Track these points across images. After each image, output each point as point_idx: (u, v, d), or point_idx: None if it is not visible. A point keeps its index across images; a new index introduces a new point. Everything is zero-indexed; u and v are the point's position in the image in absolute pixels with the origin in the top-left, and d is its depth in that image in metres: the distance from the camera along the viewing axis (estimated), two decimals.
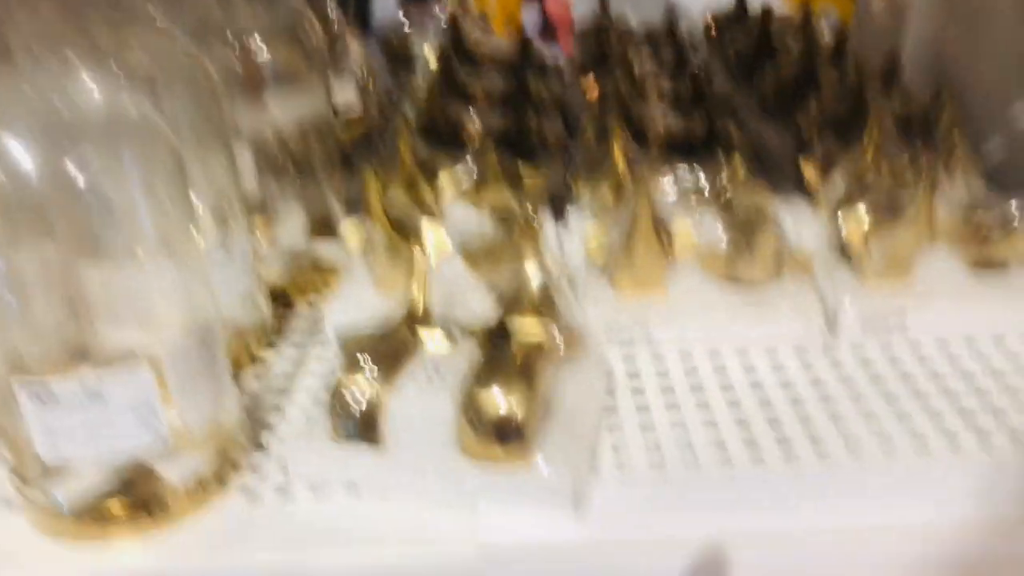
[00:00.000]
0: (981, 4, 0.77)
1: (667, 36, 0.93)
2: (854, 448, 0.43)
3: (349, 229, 0.55)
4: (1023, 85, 0.73)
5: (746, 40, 0.86)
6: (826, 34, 0.93)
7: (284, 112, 0.64)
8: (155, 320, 0.43)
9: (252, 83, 0.62)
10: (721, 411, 0.46)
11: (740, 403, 0.47)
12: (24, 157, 0.39)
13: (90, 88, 0.43)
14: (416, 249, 0.49)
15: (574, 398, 0.44)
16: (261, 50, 0.60)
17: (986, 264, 0.53)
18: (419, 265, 0.45)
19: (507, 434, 0.38)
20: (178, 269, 0.43)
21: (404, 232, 0.54)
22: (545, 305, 0.43)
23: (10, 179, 0.38)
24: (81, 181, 0.40)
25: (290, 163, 0.65)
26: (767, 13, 0.83)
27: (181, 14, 0.59)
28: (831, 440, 0.43)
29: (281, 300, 0.61)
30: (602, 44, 0.86)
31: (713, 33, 0.97)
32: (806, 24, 0.93)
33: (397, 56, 0.95)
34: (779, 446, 0.43)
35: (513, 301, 0.44)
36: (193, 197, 0.53)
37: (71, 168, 0.40)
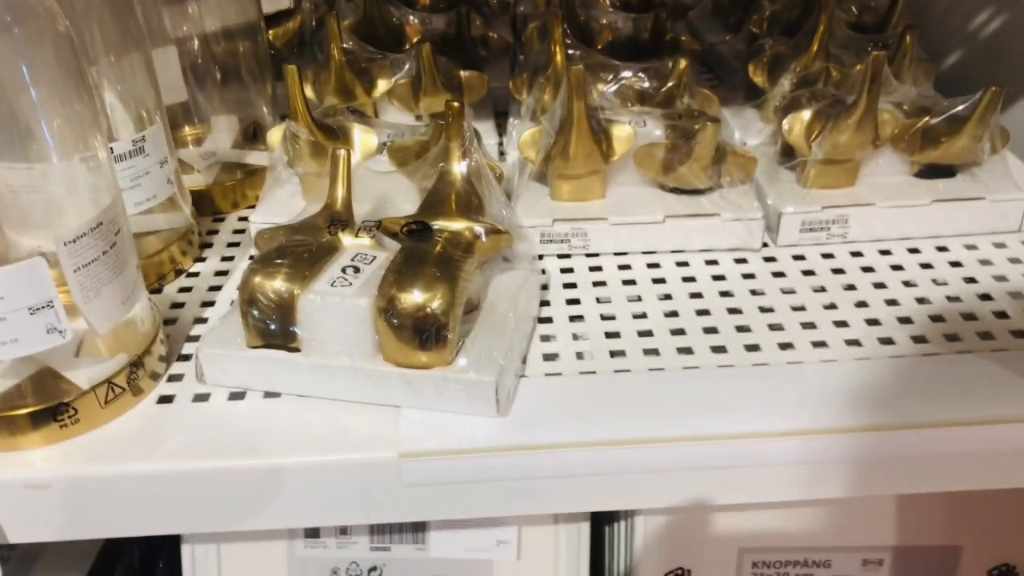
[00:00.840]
0: None
1: None
2: (784, 342, 0.42)
3: (274, 133, 0.53)
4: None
5: None
6: None
7: (210, 13, 0.61)
8: (59, 222, 0.41)
9: None
10: (652, 305, 0.45)
11: (672, 296, 0.46)
12: None
13: None
14: (340, 150, 0.47)
15: (503, 297, 0.42)
16: None
17: (931, 167, 0.51)
18: (341, 162, 0.43)
19: (426, 333, 0.37)
20: (81, 168, 0.41)
21: (332, 135, 0.52)
22: (471, 199, 0.42)
23: None
24: None
25: (218, 67, 0.62)
26: None
27: None
28: (766, 343, 0.43)
29: (210, 210, 0.58)
30: None
31: None
32: None
33: None
34: (713, 352, 0.42)
35: (439, 201, 0.42)
36: (108, 98, 0.51)
37: None
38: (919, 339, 0.42)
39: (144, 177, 0.49)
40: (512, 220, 0.47)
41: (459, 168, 0.43)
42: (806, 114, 0.51)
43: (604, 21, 0.66)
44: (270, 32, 0.67)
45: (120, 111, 0.51)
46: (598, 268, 0.49)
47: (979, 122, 0.49)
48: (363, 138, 0.52)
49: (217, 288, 0.50)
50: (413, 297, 0.37)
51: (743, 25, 0.72)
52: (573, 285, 0.47)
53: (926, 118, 0.50)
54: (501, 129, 0.64)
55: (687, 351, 0.42)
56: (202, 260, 0.53)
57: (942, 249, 0.50)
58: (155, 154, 0.49)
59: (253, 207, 0.55)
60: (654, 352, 0.42)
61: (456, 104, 0.42)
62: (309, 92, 0.61)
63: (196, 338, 0.46)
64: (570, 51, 0.58)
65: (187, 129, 0.62)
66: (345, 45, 0.60)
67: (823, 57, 0.57)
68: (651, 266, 0.49)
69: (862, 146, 0.50)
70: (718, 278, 0.48)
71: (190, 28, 0.61)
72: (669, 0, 0.73)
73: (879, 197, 0.50)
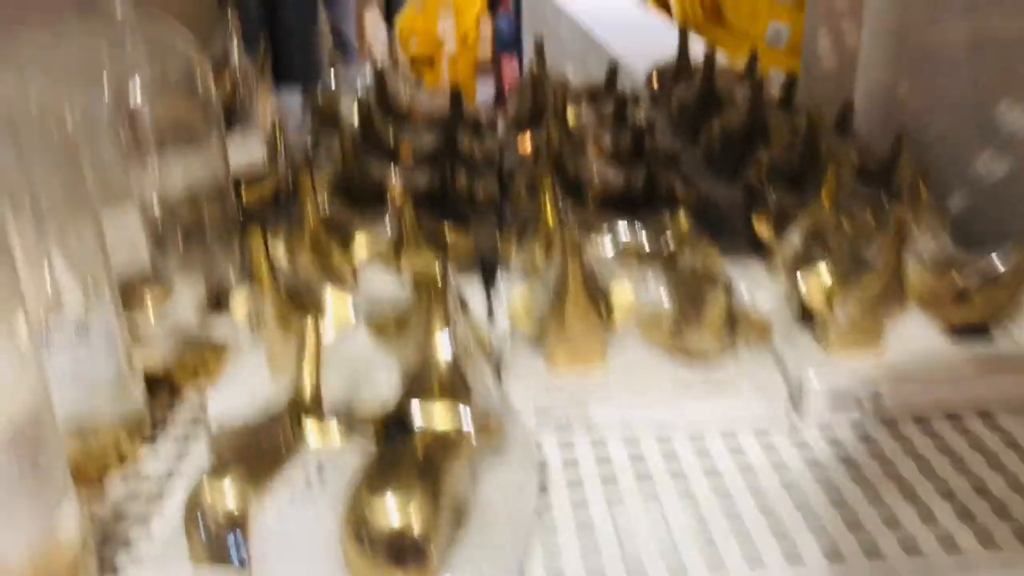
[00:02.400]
0: (934, 49, 0.74)
1: (607, 90, 0.88)
2: (831, 550, 0.36)
3: (237, 300, 0.48)
4: (984, 134, 0.68)
5: (689, 92, 0.82)
6: (773, 85, 0.89)
7: (176, 172, 0.57)
8: None
9: (138, 139, 0.55)
10: (672, 505, 0.39)
11: (694, 495, 0.40)
12: None
13: None
14: (306, 320, 0.42)
15: (496, 500, 0.36)
16: (148, 102, 0.53)
17: (964, 327, 0.47)
18: (309, 339, 0.38)
19: (403, 552, 0.31)
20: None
21: (301, 303, 0.47)
22: (457, 385, 0.36)
23: None
24: None
25: (182, 229, 0.58)
26: (709, 63, 0.79)
27: (56, 57, 0.52)
28: (801, 538, 0.36)
29: (167, 386, 0.53)
30: (538, 98, 0.81)
31: (656, 86, 0.92)
32: (751, 73, 0.90)
33: (322, 114, 0.89)
34: (741, 547, 0.36)
35: (418, 381, 0.36)
36: (47, 269, 0.46)
37: None
38: (987, 541, 0.36)
39: (87, 363, 0.43)
40: (503, 400, 0.41)
41: (443, 347, 0.37)
42: (823, 271, 0.46)
43: (594, 174, 0.63)
44: (243, 191, 0.64)
45: (66, 281, 0.46)
46: (606, 459, 0.43)
47: (1018, 277, 0.44)
48: (337, 304, 0.47)
49: (163, 476, 0.44)
50: (388, 512, 0.30)
51: (739, 173, 0.69)
52: (578, 482, 0.41)
53: (957, 276, 0.45)
54: (489, 286, 0.60)
55: (719, 567, 0.35)
56: (149, 440, 0.47)
57: (988, 420, 0.44)
58: (102, 336, 0.44)
59: (210, 376, 0.50)
60: (673, 549, 0.36)
61: (438, 273, 0.37)
62: (281, 255, 0.56)
63: (131, 543, 0.39)
64: (561, 208, 0.54)
65: (147, 296, 0.57)
66: (322, 206, 0.57)
67: (833, 209, 0.53)
68: (662, 444, 0.43)
69: (889, 308, 0.45)
70: (745, 470, 0.41)
71: (152, 186, 0.57)
72: (660, 151, 0.71)
73: (912, 363, 0.45)
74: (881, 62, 0.80)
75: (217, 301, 0.57)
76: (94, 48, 0.51)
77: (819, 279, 0.46)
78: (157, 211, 0.56)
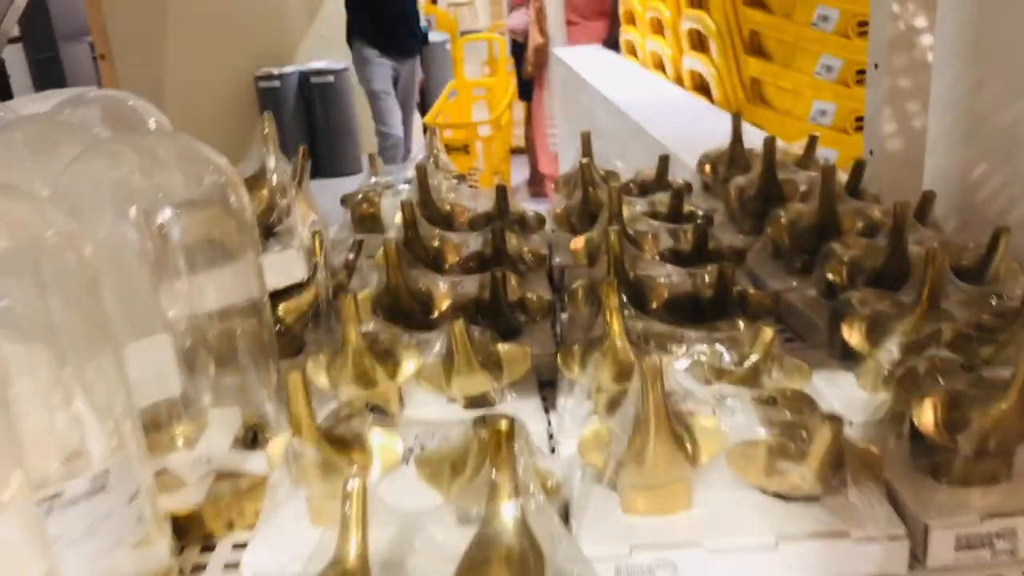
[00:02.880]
0: (1012, 130, 0.69)
1: (658, 182, 0.84)
2: None
3: (275, 447, 0.43)
4: None
5: (748, 181, 0.77)
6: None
7: (208, 293, 0.53)
8: None
9: (168, 261, 0.51)
10: None
11: None
12: None
13: None
14: (353, 469, 0.37)
15: None
16: (179, 222, 0.49)
17: None
18: (354, 499, 0.33)
19: None
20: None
21: (345, 444, 0.42)
22: (528, 566, 0.30)
23: None
24: None
25: (215, 354, 0.53)
26: (770, 149, 0.74)
27: (82, 179, 0.49)
28: None
29: (200, 534, 0.47)
30: (588, 195, 0.76)
31: (709, 174, 0.88)
32: (811, 157, 0.85)
33: (363, 215, 0.86)
34: None
35: (484, 562, 0.31)
36: (77, 410, 0.42)
37: None
38: None
39: (106, 517, 0.38)
40: (575, 552, 0.35)
41: (509, 512, 0.32)
42: (938, 396, 0.40)
43: (658, 277, 0.58)
44: (280, 307, 0.60)
45: (88, 426, 0.41)
46: None
47: None
48: (384, 447, 0.42)
49: None
50: None
51: (812, 270, 0.64)
52: None
53: None
54: (548, 403, 0.54)
55: None
56: None
57: None
58: (123, 486, 0.39)
59: (252, 527, 0.45)
60: None
61: (504, 427, 0.32)
62: (323, 379, 0.51)
63: None
64: (628, 322, 0.48)
65: (177, 429, 0.53)
66: (365, 325, 0.52)
67: (934, 315, 0.47)
68: None
69: (1021, 434, 0.39)
70: None
71: (183, 309, 0.53)
72: (724, 247, 0.66)
73: None
74: (954, 144, 0.75)
75: (254, 436, 0.52)
76: (123, 167, 0.48)
77: (935, 406, 0.39)
78: (188, 336, 0.53)
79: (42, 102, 2.83)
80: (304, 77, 4.94)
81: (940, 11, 0.75)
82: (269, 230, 0.63)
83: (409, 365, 0.51)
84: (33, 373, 0.40)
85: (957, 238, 0.61)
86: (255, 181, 0.60)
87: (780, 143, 0.92)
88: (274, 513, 0.43)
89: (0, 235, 0.38)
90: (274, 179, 0.60)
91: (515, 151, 4.71)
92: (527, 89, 3.71)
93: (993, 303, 0.50)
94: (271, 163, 0.60)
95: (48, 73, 5.73)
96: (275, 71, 4.90)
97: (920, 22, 0.75)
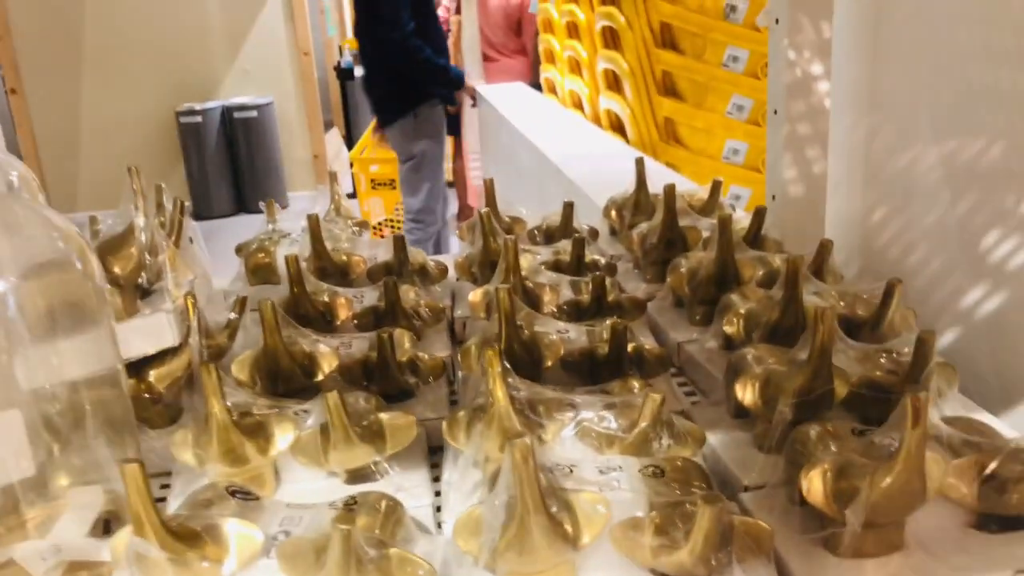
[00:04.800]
0: (906, 177, 0.69)
1: (563, 227, 0.82)
2: None
3: (117, 541, 0.39)
4: (970, 265, 0.63)
5: (651, 227, 0.76)
6: (734, 212, 0.85)
7: (62, 364, 0.48)
8: None
9: (16, 331, 0.47)
10: None
11: None
12: None
13: None
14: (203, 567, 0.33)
15: None
16: (26, 292, 0.45)
17: (996, 520, 0.39)
18: None
19: None
20: None
21: (196, 539, 0.38)
22: None
23: None
24: None
25: (71, 428, 0.49)
26: (670, 199, 0.73)
27: None
28: None
29: None
30: (487, 242, 0.74)
31: (615, 218, 0.87)
32: (716, 201, 0.84)
33: (258, 267, 0.82)
34: None
35: None
36: None
37: None
38: None
39: None
40: None
41: None
42: (826, 466, 0.39)
43: (552, 335, 0.56)
44: (152, 373, 0.56)
45: None
46: None
47: None
48: (242, 537, 0.38)
49: None
50: None
51: (713, 320, 0.62)
52: None
53: (987, 461, 0.38)
54: (436, 471, 0.51)
55: None
56: None
57: None
58: None
59: None
60: None
61: (354, 524, 0.29)
62: (189, 457, 0.48)
63: None
64: (512, 388, 0.46)
65: (29, 513, 0.48)
66: (236, 394, 0.48)
67: (826, 373, 0.46)
68: None
69: (910, 504, 0.37)
70: None
71: (34, 380, 0.48)
72: (624, 300, 0.64)
73: (944, 568, 0.37)
74: (852, 189, 0.76)
75: (106, 522, 0.48)
76: None
77: (825, 477, 0.38)
78: (41, 410, 0.48)
79: None
80: (227, 112, 4.84)
81: (835, 59, 0.75)
82: (144, 291, 0.58)
83: (283, 439, 0.48)
84: None
85: (854, 286, 0.61)
86: (123, 240, 0.56)
87: (686, 187, 0.92)
88: None
89: None
90: (143, 237, 0.56)
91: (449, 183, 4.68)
92: (454, 123, 3.72)
93: (884, 360, 0.49)
94: (140, 221, 0.56)
95: None
96: (197, 106, 4.80)
97: (816, 69, 0.75)
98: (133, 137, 5.04)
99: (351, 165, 4.53)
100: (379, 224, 4.36)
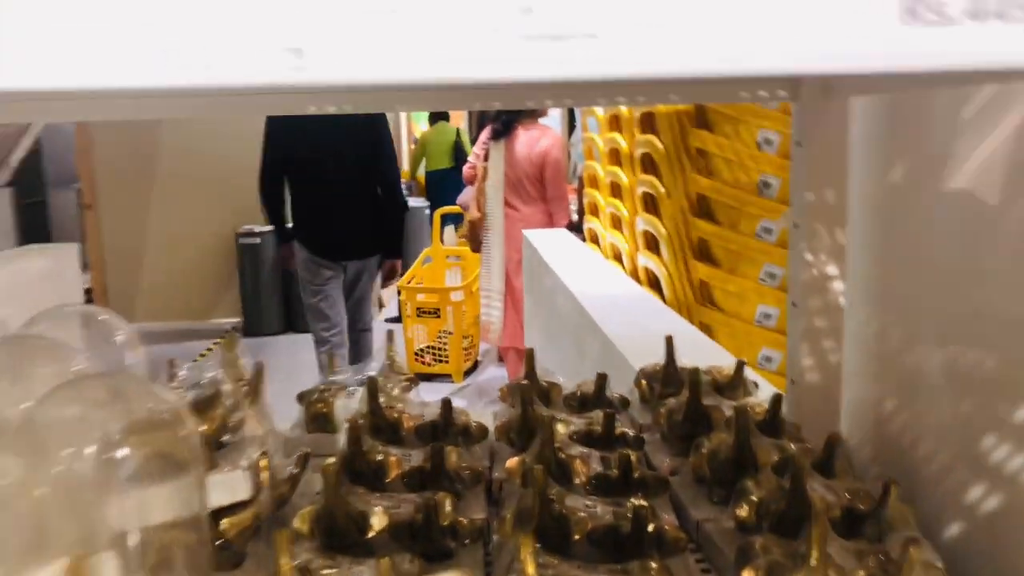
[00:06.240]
0: (913, 374, 0.76)
1: (597, 396, 0.90)
2: None
3: None
4: (970, 464, 0.68)
5: (678, 404, 0.83)
6: (757, 395, 0.91)
7: (150, 512, 0.56)
8: None
9: (116, 482, 0.55)
10: None
11: None
12: None
13: None
14: None
15: None
16: (130, 455, 0.53)
17: None
18: None
19: None
20: None
21: None
22: None
23: None
24: None
25: (154, 567, 0.56)
26: (695, 380, 0.81)
27: (52, 420, 0.54)
28: None
29: None
30: (526, 410, 0.81)
31: (645, 388, 0.94)
32: (740, 380, 0.91)
33: (317, 416, 0.90)
34: None
35: None
36: None
37: None
38: None
39: None
40: None
41: None
42: None
43: (581, 511, 0.62)
44: (224, 521, 0.63)
45: None
46: None
47: None
48: None
49: None
50: None
51: (729, 500, 0.68)
52: None
53: None
54: None
55: None
56: None
57: None
58: None
59: None
60: None
61: None
62: None
63: None
64: (541, 568, 0.52)
65: None
66: (300, 551, 0.55)
67: (823, 569, 0.52)
68: None
69: None
70: None
71: (128, 524, 0.56)
72: (649, 477, 0.70)
73: None
74: (865, 380, 0.82)
75: None
76: (87, 402, 0.52)
77: None
78: (131, 551, 0.55)
79: (21, 260, 2.85)
80: None
81: (849, 262, 0.84)
82: (220, 444, 0.67)
83: None
84: None
85: (857, 482, 0.66)
86: (211, 402, 0.65)
87: (714, 359, 0.99)
88: None
89: None
90: (228, 402, 0.64)
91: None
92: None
93: (881, 558, 0.54)
94: (226, 388, 0.64)
95: (34, 218, 5.82)
96: (256, 228, 5.05)
97: (831, 270, 0.84)
98: (194, 254, 5.30)
99: (399, 292, 4.70)
100: (421, 351, 4.47)
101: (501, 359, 4.36)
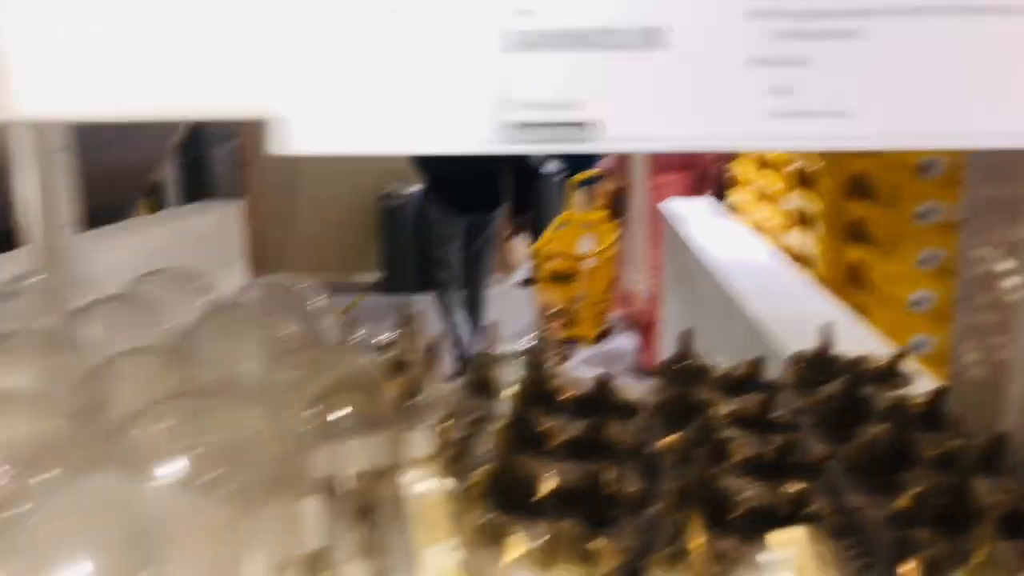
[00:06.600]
0: None
1: (751, 378, 0.91)
2: None
3: None
4: None
5: (832, 392, 0.84)
6: (916, 386, 0.90)
7: (353, 463, 0.64)
8: None
9: (324, 438, 0.62)
10: None
11: None
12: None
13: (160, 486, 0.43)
14: None
15: None
16: (333, 408, 0.61)
17: None
18: None
19: None
20: None
21: None
22: None
23: None
24: None
25: (354, 514, 0.63)
26: (853, 370, 0.81)
27: (263, 381, 0.62)
28: None
29: None
30: (683, 389, 0.84)
31: (798, 374, 0.95)
32: (897, 370, 0.91)
33: (478, 382, 0.96)
34: None
35: None
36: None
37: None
38: None
39: None
40: None
41: None
42: None
43: (739, 491, 0.65)
44: (409, 474, 0.70)
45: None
46: None
47: None
48: None
49: None
50: None
51: (886, 491, 0.69)
52: None
53: None
54: None
55: None
56: None
57: None
58: None
59: None
60: None
61: None
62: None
63: None
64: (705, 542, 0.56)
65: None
66: (480, 515, 0.61)
67: (986, 569, 0.53)
68: None
69: None
70: None
71: (332, 473, 0.63)
72: (805, 461, 0.72)
73: None
74: None
75: None
76: (301, 370, 0.60)
77: None
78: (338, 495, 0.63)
79: (189, 216, 3.06)
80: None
81: None
82: (406, 406, 0.73)
83: (513, 546, 0.60)
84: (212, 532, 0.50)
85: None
86: (399, 365, 0.72)
87: (869, 344, 0.98)
88: None
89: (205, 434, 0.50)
90: (411, 367, 0.71)
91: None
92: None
93: None
94: (408, 353, 0.71)
95: (194, 174, 6.21)
96: (398, 191, 5.24)
97: (1006, 264, 0.81)
98: (339, 213, 5.56)
99: (533, 256, 4.78)
100: (552, 315, 4.55)
101: (632, 328, 4.37)
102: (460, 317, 3.89)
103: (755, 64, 0.29)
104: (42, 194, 1.13)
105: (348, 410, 0.61)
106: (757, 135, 0.30)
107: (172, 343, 0.69)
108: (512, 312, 4.43)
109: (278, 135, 0.32)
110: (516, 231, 3.57)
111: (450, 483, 0.64)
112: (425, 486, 0.67)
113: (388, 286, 5.41)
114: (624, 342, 4.59)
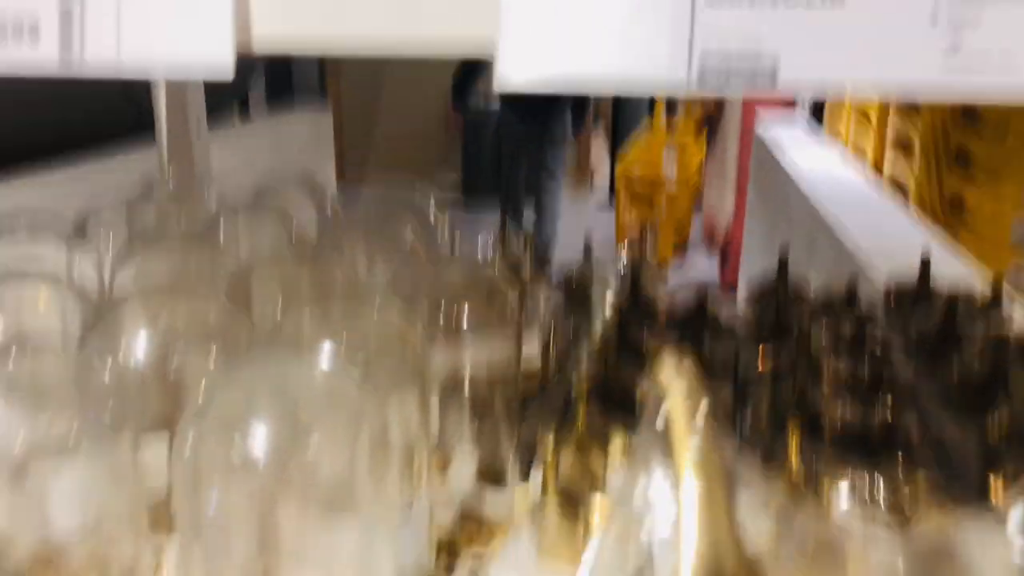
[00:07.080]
0: None
1: (846, 302, 0.93)
2: None
3: (520, 495, 0.58)
4: None
5: (928, 321, 0.85)
6: (1017, 320, 0.91)
7: (474, 359, 0.69)
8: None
9: (450, 335, 0.68)
10: None
11: None
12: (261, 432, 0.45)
13: (317, 369, 0.49)
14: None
15: None
16: (460, 308, 0.66)
17: None
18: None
19: None
20: (364, 529, 0.47)
21: (573, 504, 0.56)
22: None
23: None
24: (307, 452, 0.46)
25: (471, 408, 0.70)
26: (952, 303, 0.82)
27: (401, 285, 0.67)
28: None
29: (446, 549, 0.63)
30: (778, 309, 0.87)
31: (893, 304, 0.96)
32: (997, 303, 0.91)
33: (574, 295, 1.00)
34: None
35: None
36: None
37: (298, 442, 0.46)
38: None
39: (408, 531, 0.54)
40: None
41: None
42: None
43: (832, 405, 0.69)
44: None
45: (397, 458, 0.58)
46: None
47: None
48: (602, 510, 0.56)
49: None
50: None
51: (978, 421, 0.71)
52: None
53: None
54: None
55: None
56: None
57: None
58: (421, 507, 0.55)
59: (484, 545, 0.59)
60: None
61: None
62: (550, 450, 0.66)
63: None
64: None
65: (432, 464, 0.69)
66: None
67: None
68: None
69: None
70: None
71: (452, 368, 0.69)
72: (898, 385, 0.75)
73: None
74: None
75: (490, 473, 0.68)
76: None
77: None
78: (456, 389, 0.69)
79: (280, 125, 3.13)
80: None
81: None
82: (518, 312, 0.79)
83: (618, 447, 0.65)
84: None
85: None
86: (511, 272, 0.77)
87: (967, 279, 0.99)
88: (514, 543, 0.57)
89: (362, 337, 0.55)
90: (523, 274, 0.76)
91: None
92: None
93: None
94: (524, 266, 0.76)
95: (278, 81, 6.30)
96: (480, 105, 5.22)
97: None
98: (418, 124, 5.60)
99: (612, 172, 4.76)
100: (633, 232, 4.55)
101: (711, 250, 4.34)
102: (529, 222, 3.96)
103: (929, 21, 0.31)
104: (167, 96, 1.20)
105: (468, 311, 0.66)
106: (932, 85, 0.32)
107: (304, 248, 0.75)
108: (585, 228, 4.44)
109: (499, 73, 0.36)
110: (590, 144, 3.60)
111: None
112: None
113: (466, 188, 5.60)
114: (701, 263, 4.58)
